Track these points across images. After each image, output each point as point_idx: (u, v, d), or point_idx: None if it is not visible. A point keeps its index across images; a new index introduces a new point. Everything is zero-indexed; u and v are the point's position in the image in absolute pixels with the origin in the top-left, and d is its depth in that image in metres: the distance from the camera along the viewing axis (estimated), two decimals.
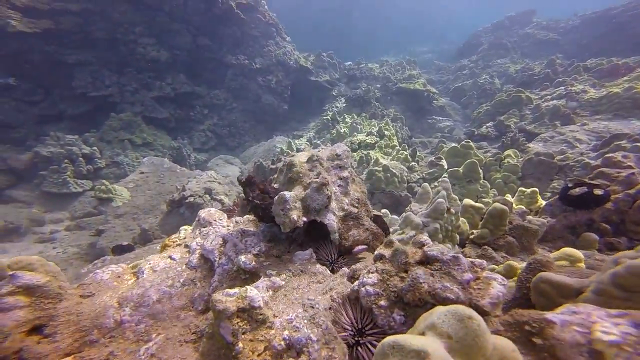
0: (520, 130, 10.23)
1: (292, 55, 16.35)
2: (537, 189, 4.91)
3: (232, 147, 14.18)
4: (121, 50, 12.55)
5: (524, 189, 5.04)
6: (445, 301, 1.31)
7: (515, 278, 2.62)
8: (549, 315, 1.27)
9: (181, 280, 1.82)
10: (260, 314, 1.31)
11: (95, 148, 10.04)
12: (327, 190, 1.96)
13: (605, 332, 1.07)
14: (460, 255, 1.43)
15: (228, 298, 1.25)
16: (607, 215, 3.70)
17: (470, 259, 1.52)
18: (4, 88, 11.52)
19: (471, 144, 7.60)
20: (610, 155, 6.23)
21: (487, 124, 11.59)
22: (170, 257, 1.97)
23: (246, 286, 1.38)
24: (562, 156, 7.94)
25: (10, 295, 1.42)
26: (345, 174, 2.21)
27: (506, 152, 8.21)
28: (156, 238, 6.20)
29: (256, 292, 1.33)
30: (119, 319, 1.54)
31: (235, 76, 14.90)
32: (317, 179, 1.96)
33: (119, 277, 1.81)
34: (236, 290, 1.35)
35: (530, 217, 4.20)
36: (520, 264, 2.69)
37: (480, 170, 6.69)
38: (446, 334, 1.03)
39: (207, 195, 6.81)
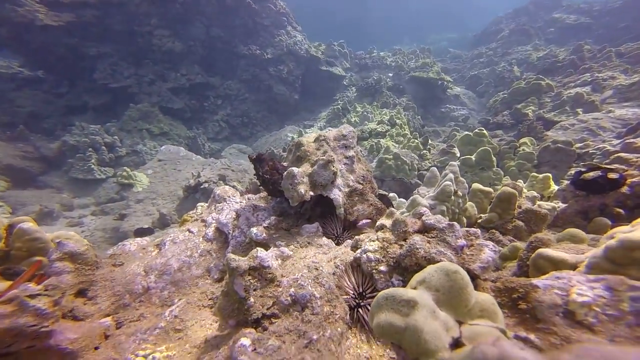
0: (538, 118, 9.90)
1: (303, 45, 16.28)
2: (549, 175, 4.84)
3: (244, 136, 14.43)
4: (138, 42, 12.90)
5: (536, 174, 4.97)
6: None
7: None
8: (534, 280, 1.35)
9: (199, 251, 1.99)
10: (270, 273, 1.45)
11: (116, 137, 10.50)
12: (333, 167, 2.07)
13: (580, 294, 1.15)
14: (455, 224, 1.52)
15: (241, 257, 1.40)
16: (621, 199, 3.63)
17: (465, 228, 1.60)
18: (34, 80, 12.14)
19: (484, 131, 7.46)
20: (631, 140, 6.01)
21: (503, 113, 11.26)
22: (189, 230, 2.14)
23: (257, 247, 1.52)
24: (582, 144, 7.68)
25: (59, 261, 1.62)
26: (351, 153, 2.30)
27: (522, 140, 8.01)
28: (174, 222, 6.52)
29: (265, 253, 1.47)
30: (146, 286, 1.73)
31: (247, 66, 15.03)
32: (323, 157, 2.07)
33: (144, 248, 2.00)
34: (256, 250, 1.50)
35: (541, 202, 4.18)
36: (524, 245, 2.74)
37: (494, 158, 6.59)
38: (434, 287, 1.14)
39: (221, 182, 7.06)
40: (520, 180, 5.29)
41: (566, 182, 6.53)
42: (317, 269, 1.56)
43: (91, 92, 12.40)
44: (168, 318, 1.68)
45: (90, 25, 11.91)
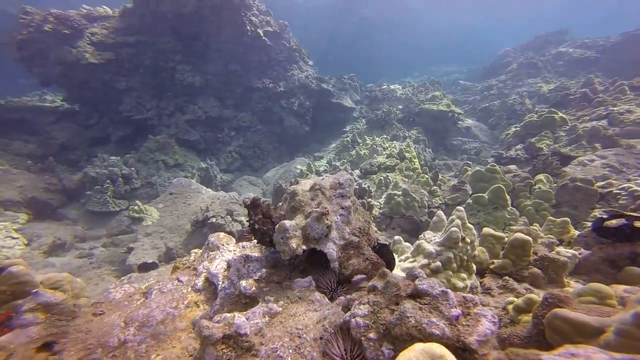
0: (553, 153, 9.62)
1: (314, 78, 17.05)
2: (568, 219, 4.57)
3: (256, 168, 14.74)
4: (162, 76, 13.92)
5: (553, 218, 4.72)
6: (431, 337, 1.29)
7: None
8: (545, 356, 1.20)
9: (185, 302, 1.93)
10: (246, 342, 1.36)
11: (133, 169, 10.96)
12: (327, 219, 2.02)
13: None
14: (449, 291, 1.41)
15: (215, 324, 1.33)
16: None
17: (462, 294, 1.48)
18: (71, 113, 13.18)
19: (497, 167, 7.29)
20: None
21: (517, 147, 11.06)
22: (177, 279, 2.10)
23: (234, 313, 1.44)
24: (604, 182, 7.30)
25: (30, 312, 1.60)
26: (347, 203, 2.26)
27: (537, 177, 7.73)
28: (179, 256, 6.51)
29: (243, 320, 1.39)
30: (122, 339, 1.66)
31: (260, 99, 15.76)
32: (317, 209, 2.03)
33: (130, 297, 1.96)
34: (227, 315, 1.43)
35: (560, 248, 3.91)
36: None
37: (508, 197, 6.35)
38: None
39: (229, 216, 7.09)
40: (536, 224, 5.03)
41: (589, 225, 6.15)
42: (299, 337, 1.46)
43: (115, 123, 13.25)
44: None
45: (124, 62, 13.06)
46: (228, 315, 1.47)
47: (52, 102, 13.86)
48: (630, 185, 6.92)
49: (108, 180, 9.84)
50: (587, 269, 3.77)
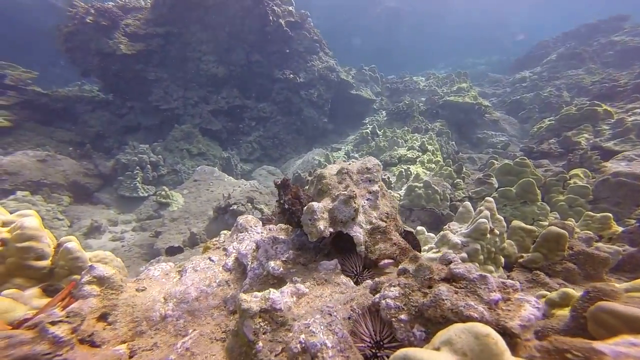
0: (593, 147, 8.93)
1: (334, 69, 16.84)
2: (609, 214, 4.28)
3: (275, 158, 14.90)
4: (188, 67, 14.27)
5: (591, 213, 4.43)
6: (468, 319, 1.24)
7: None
8: (598, 345, 1.12)
9: (217, 281, 1.99)
10: (281, 316, 1.38)
11: (160, 156, 11.41)
12: (355, 203, 2.00)
13: None
14: (488, 275, 1.35)
15: (253, 298, 1.36)
16: None
17: (502, 280, 1.42)
18: (106, 103, 13.88)
19: (527, 161, 6.93)
20: None
21: (550, 140, 10.42)
22: (209, 258, 2.17)
23: (270, 289, 1.47)
24: None
25: (88, 284, 1.71)
26: (374, 187, 2.22)
27: (572, 172, 7.28)
28: (202, 241, 6.75)
29: (278, 295, 1.42)
30: (163, 314, 1.74)
31: (281, 90, 15.80)
32: (345, 192, 2.02)
33: (167, 274, 2.04)
34: (262, 292, 1.46)
35: (600, 244, 3.69)
36: (579, 293, 2.39)
37: (538, 191, 6.02)
38: (461, 350, 0.99)
39: (249, 204, 7.24)
40: (571, 219, 4.75)
41: (635, 222, 5.73)
42: (330, 315, 1.46)
43: (145, 113, 13.80)
44: (179, 350, 1.66)
45: (154, 53, 13.50)
46: (261, 292, 1.50)
47: (90, 92, 14.61)
48: None
49: (137, 167, 10.31)
50: (632, 266, 3.54)
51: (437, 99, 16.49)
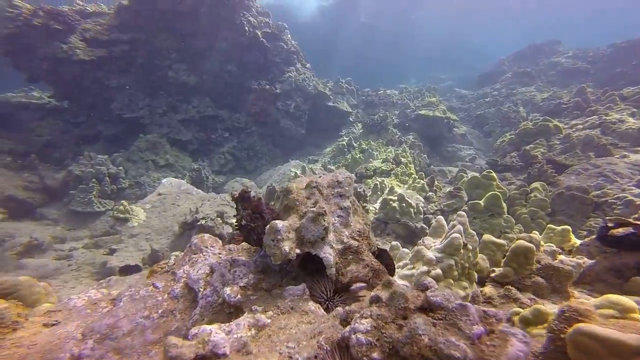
0: (548, 161, 9.63)
1: (311, 82, 16.93)
2: (569, 227, 4.46)
3: (249, 170, 14.45)
4: (156, 75, 13.60)
5: (553, 226, 4.60)
6: (449, 359, 1.08)
7: (545, 325, 2.26)
8: None
9: (160, 311, 1.69)
10: None
11: (121, 168, 10.57)
12: (324, 221, 1.81)
13: None
14: (469, 304, 1.21)
15: (185, 343, 1.10)
16: None
17: (482, 308, 1.28)
18: (59, 110, 12.72)
19: (493, 174, 7.20)
20: None
21: (512, 154, 11.07)
22: (153, 284, 1.86)
23: (213, 326, 1.22)
24: (599, 192, 7.28)
25: None
26: (346, 203, 2.06)
27: (533, 185, 7.68)
28: (165, 259, 6.19)
29: (221, 337, 1.17)
30: (76, 354, 1.40)
31: (256, 100, 15.52)
32: (313, 209, 1.83)
33: (95, 304, 1.71)
34: (207, 327, 1.20)
35: (562, 256, 3.78)
36: (551, 309, 2.35)
37: (504, 204, 6.24)
38: None
39: (219, 219, 6.81)
40: (536, 232, 4.90)
41: (586, 233, 6.07)
42: (290, 358, 1.23)
43: (106, 122, 12.85)
44: None
45: (117, 59, 12.71)
46: (206, 328, 1.24)
47: (39, 98, 13.36)
48: (626, 195, 6.90)
49: (94, 179, 9.44)
50: (592, 278, 3.64)
51: (410, 112, 17.06)
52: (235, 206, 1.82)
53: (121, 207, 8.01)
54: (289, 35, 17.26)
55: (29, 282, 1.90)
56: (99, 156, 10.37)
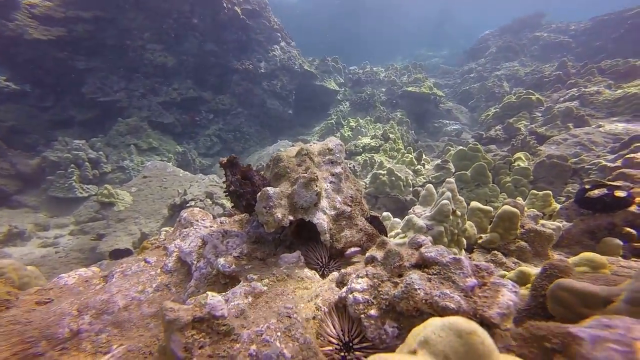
0: (531, 132, 9.88)
1: (297, 60, 16.38)
2: (550, 192, 4.63)
3: (237, 152, 14.17)
4: (130, 56, 12.79)
5: (535, 192, 4.76)
6: (444, 311, 1.11)
7: (529, 285, 2.38)
8: (573, 329, 1.06)
9: (154, 286, 1.66)
10: (224, 325, 1.13)
11: (101, 153, 10.13)
12: (317, 186, 1.78)
13: None
14: (463, 258, 1.23)
15: (182, 306, 1.08)
16: (630, 219, 3.41)
17: (475, 262, 1.31)
18: (21, 94, 11.82)
19: (479, 146, 7.33)
20: (632, 155, 5.88)
21: (496, 127, 11.26)
22: (145, 260, 1.81)
23: (208, 292, 1.20)
24: (576, 159, 7.60)
25: None
26: (337, 169, 2.03)
27: (516, 155, 7.89)
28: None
29: (218, 299, 1.15)
30: (75, 329, 1.37)
31: (240, 81, 14.98)
32: (305, 174, 1.79)
33: (87, 281, 1.66)
34: (197, 297, 1.18)
35: (543, 221, 3.94)
36: (533, 270, 2.47)
37: (489, 174, 6.41)
38: (443, 353, 0.83)
39: (209, 199, 6.71)
40: (519, 198, 5.08)
41: (565, 199, 6.35)
42: (289, 317, 1.24)
43: (78, 106, 12.11)
44: None
45: (81, 40, 11.79)
46: (202, 295, 1.22)
47: None
48: (600, 160, 7.23)
49: (72, 165, 9.03)
50: (569, 241, 3.81)
51: (397, 89, 16.90)
52: (224, 172, 1.76)
53: (105, 192, 7.75)
54: (272, 12, 16.45)
55: (14, 265, 1.82)
56: (75, 141, 9.87)
